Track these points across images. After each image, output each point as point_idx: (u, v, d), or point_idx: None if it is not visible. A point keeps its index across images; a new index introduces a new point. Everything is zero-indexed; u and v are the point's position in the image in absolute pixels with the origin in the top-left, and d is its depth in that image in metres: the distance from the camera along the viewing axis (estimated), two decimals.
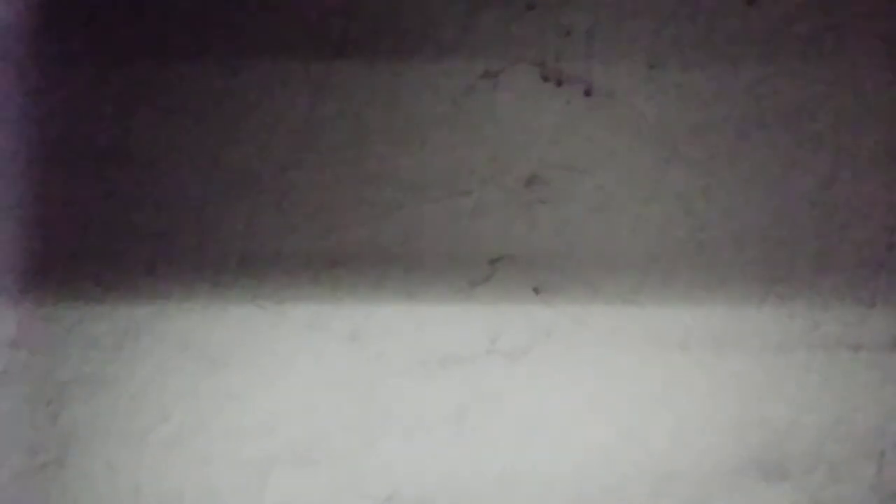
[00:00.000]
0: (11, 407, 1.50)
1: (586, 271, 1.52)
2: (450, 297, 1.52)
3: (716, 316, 1.52)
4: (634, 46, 1.54)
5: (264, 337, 1.52)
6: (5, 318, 1.51)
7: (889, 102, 1.53)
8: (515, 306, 1.52)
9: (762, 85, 1.54)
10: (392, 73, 1.54)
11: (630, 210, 1.53)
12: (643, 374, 1.51)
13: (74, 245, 1.51)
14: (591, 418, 1.51)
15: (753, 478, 1.50)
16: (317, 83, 1.53)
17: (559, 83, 1.54)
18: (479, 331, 1.52)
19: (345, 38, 1.54)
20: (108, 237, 1.52)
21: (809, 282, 1.52)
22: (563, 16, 1.55)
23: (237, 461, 1.50)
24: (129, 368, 1.51)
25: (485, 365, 1.52)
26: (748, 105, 1.54)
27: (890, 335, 1.52)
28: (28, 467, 1.50)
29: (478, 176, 1.53)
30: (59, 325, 1.51)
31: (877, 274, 1.52)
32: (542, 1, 1.54)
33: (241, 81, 1.53)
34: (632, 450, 1.50)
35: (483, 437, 1.51)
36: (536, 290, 1.52)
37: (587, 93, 1.54)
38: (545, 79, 1.54)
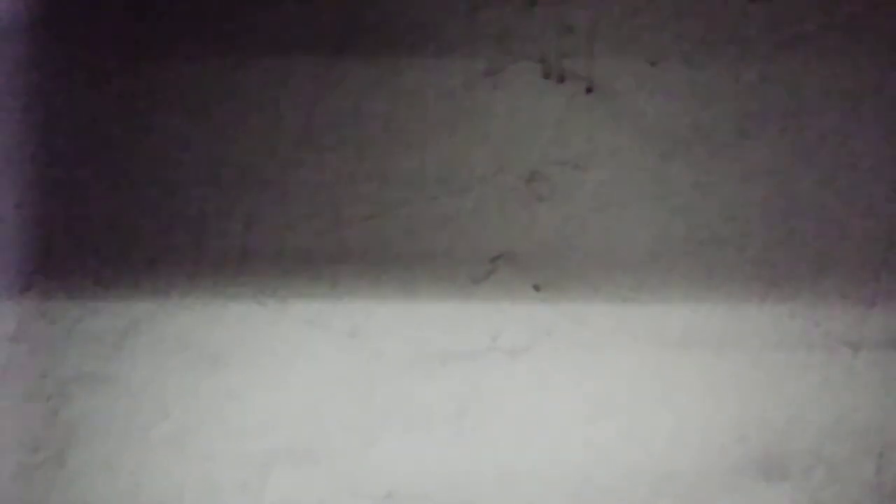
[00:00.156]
0: (11, 404, 1.51)
1: (587, 269, 1.52)
2: (450, 294, 1.52)
3: (716, 315, 1.52)
4: (636, 44, 1.54)
5: (264, 334, 1.52)
6: (5, 316, 1.51)
7: (890, 102, 1.53)
8: (516, 304, 1.52)
9: (764, 83, 1.54)
10: (393, 70, 1.54)
11: (631, 208, 1.53)
12: (643, 373, 1.51)
13: (74, 242, 1.52)
14: (591, 417, 1.51)
15: (753, 477, 1.50)
16: (317, 81, 1.53)
17: (560, 80, 1.54)
18: (479, 328, 1.52)
19: (345, 36, 1.54)
20: (108, 235, 1.52)
21: (810, 281, 1.52)
22: (565, 13, 1.54)
23: (237, 459, 1.51)
24: (129, 366, 1.51)
25: (485, 363, 1.52)
26: (749, 103, 1.53)
27: (890, 334, 1.52)
28: (28, 465, 1.50)
29: (478, 173, 1.53)
30: (59, 322, 1.51)
31: (877, 273, 1.52)
32: None
33: (241, 80, 1.53)
34: (632, 449, 1.50)
35: (483, 435, 1.51)
36: (537, 288, 1.52)
37: (588, 90, 1.54)
38: (546, 76, 1.54)
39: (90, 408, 1.50)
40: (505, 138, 1.53)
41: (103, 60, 1.53)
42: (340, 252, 1.52)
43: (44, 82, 1.53)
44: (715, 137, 1.53)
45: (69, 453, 1.50)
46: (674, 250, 1.52)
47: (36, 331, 1.51)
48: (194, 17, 1.54)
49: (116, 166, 1.53)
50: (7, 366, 1.50)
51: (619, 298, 1.52)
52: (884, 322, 1.52)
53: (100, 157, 1.53)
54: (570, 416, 1.51)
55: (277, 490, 1.50)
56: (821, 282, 1.52)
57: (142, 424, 1.51)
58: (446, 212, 1.53)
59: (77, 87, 1.53)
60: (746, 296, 1.52)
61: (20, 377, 1.51)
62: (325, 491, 1.50)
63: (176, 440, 1.50)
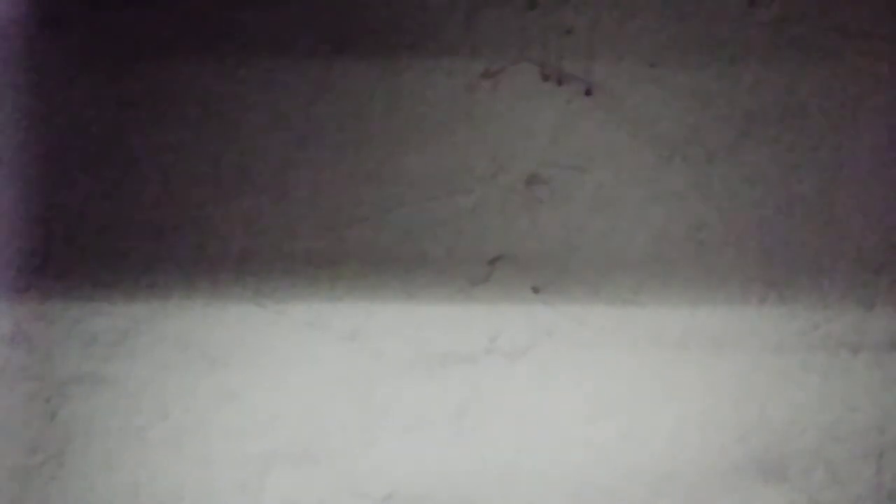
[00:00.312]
0: (10, 405, 1.50)
1: (586, 271, 1.52)
2: (450, 296, 1.52)
3: (716, 316, 1.52)
4: (635, 46, 1.54)
5: (264, 336, 1.52)
6: (4, 316, 1.50)
7: (889, 102, 1.53)
8: (515, 306, 1.52)
9: (763, 84, 1.54)
10: (392, 72, 1.54)
11: (630, 209, 1.53)
12: (643, 374, 1.51)
13: (74, 243, 1.51)
14: (591, 418, 1.51)
15: (753, 478, 1.50)
16: (316, 82, 1.53)
17: (560, 82, 1.54)
18: (478, 330, 1.52)
19: (345, 38, 1.54)
20: (107, 236, 1.52)
21: (809, 282, 1.52)
22: (564, 15, 1.55)
23: (236, 460, 1.50)
24: (129, 367, 1.51)
25: (484, 364, 1.52)
26: (749, 105, 1.54)
27: (890, 336, 1.52)
28: (27, 465, 1.50)
29: (478, 175, 1.53)
30: (58, 323, 1.51)
31: (877, 274, 1.52)
32: (542, 0, 1.54)
33: (240, 81, 1.53)
34: (632, 450, 1.50)
35: (483, 436, 1.51)
36: (536, 290, 1.52)
37: (588, 92, 1.54)
38: (546, 78, 1.54)
39: (89, 408, 1.50)
40: (504, 140, 1.53)
41: (103, 60, 1.53)
42: (340, 253, 1.52)
43: (44, 82, 1.53)
44: (714, 139, 1.53)
45: (68, 454, 1.50)
46: (673, 251, 1.52)
47: (35, 331, 1.51)
48: (194, 17, 1.54)
49: (116, 166, 1.53)
50: (6, 366, 1.50)
51: (618, 300, 1.52)
52: (883, 323, 1.52)
53: (99, 157, 1.53)
54: (570, 417, 1.51)
55: (277, 491, 1.50)
56: (820, 283, 1.52)
57: (141, 425, 1.50)
58: (446, 213, 1.53)
59: (77, 88, 1.53)
60: (746, 297, 1.52)
61: (19, 378, 1.50)
62: (325, 491, 1.50)
63: (175, 441, 1.50)
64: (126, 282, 1.51)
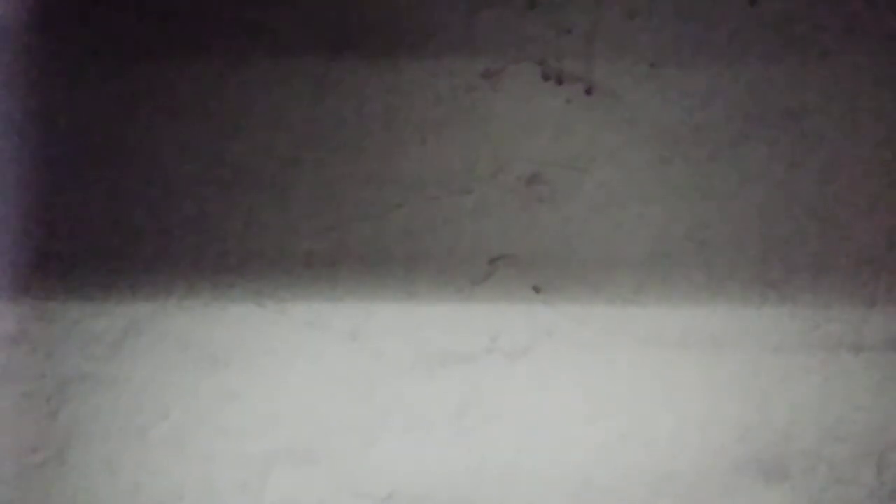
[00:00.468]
0: (11, 404, 1.50)
1: (587, 270, 1.52)
2: (450, 296, 1.52)
3: (716, 316, 1.52)
4: (635, 45, 1.54)
5: (264, 335, 1.52)
6: (6, 316, 1.51)
7: (889, 102, 1.53)
8: (516, 305, 1.52)
9: (763, 84, 1.54)
10: (393, 71, 1.54)
11: (631, 209, 1.53)
12: (643, 374, 1.51)
13: (75, 243, 1.52)
14: (590, 418, 1.51)
15: (753, 478, 1.50)
16: (317, 82, 1.54)
17: (560, 82, 1.54)
18: (479, 330, 1.52)
19: (345, 37, 1.54)
20: (108, 235, 1.52)
21: (810, 282, 1.52)
22: (564, 15, 1.55)
23: (237, 459, 1.51)
24: (130, 366, 1.51)
25: (485, 364, 1.52)
26: (749, 104, 1.54)
27: (890, 335, 1.52)
28: (28, 464, 1.50)
29: (478, 175, 1.53)
30: (59, 322, 1.51)
31: (877, 274, 1.52)
32: (542, 0, 1.54)
33: (241, 81, 1.53)
34: (632, 450, 1.50)
35: (483, 436, 1.51)
36: (537, 290, 1.52)
37: (588, 92, 1.54)
38: (546, 78, 1.54)
39: (90, 408, 1.50)
40: (505, 140, 1.53)
41: (103, 60, 1.54)
42: (341, 253, 1.52)
43: (44, 82, 1.53)
44: (714, 139, 1.53)
45: (69, 453, 1.50)
46: (674, 251, 1.52)
47: (36, 331, 1.51)
48: (194, 17, 1.54)
49: (116, 166, 1.53)
50: (7, 366, 1.50)
51: (619, 299, 1.52)
52: (884, 323, 1.52)
53: (100, 157, 1.53)
54: (571, 417, 1.51)
55: (277, 490, 1.50)
56: (821, 283, 1.52)
57: (142, 425, 1.50)
58: (446, 213, 1.53)
59: (77, 88, 1.53)
60: (746, 297, 1.52)
61: (20, 377, 1.51)
62: (326, 491, 1.50)
63: (176, 440, 1.50)
64: (127, 282, 1.52)
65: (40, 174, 1.52)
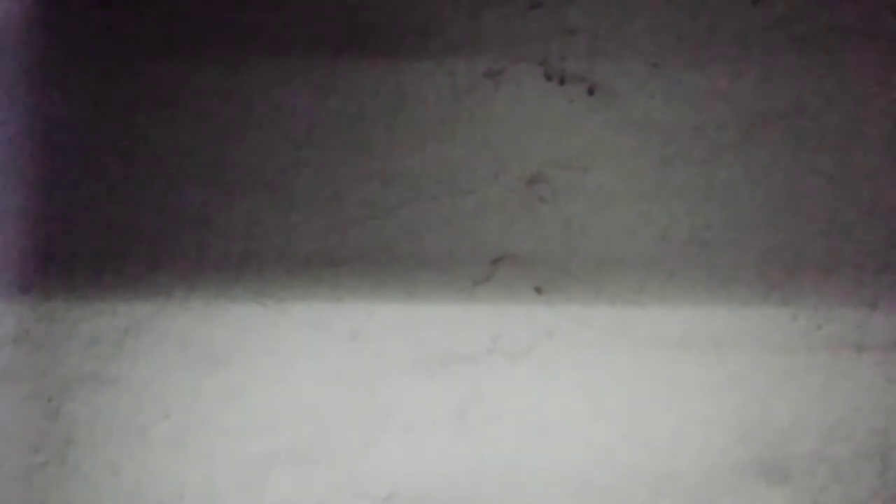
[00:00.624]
0: (13, 404, 1.51)
1: (588, 271, 1.52)
2: (451, 296, 1.52)
3: (718, 316, 1.52)
4: (638, 45, 1.54)
5: (265, 336, 1.52)
6: (7, 316, 1.51)
7: (892, 103, 1.53)
8: (517, 306, 1.52)
9: (765, 84, 1.53)
10: (394, 71, 1.54)
11: (633, 209, 1.53)
12: (644, 374, 1.51)
13: (76, 243, 1.52)
14: (591, 418, 1.51)
15: (754, 478, 1.50)
16: (318, 82, 1.54)
17: (562, 82, 1.54)
18: (480, 330, 1.52)
19: (347, 37, 1.54)
20: (109, 235, 1.52)
21: (812, 282, 1.51)
22: (567, 15, 1.54)
23: (238, 459, 1.51)
24: (131, 366, 1.51)
25: (486, 364, 1.52)
26: (751, 104, 1.53)
27: (893, 336, 1.51)
28: (29, 465, 1.50)
29: (480, 175, 1.53)
30: (60, 322, 1.51)
31: (880, 274, 1.52)
32: (544, 0, 1.54)
33: (242, 81, 1.53)
34: (632, 450, 1.50)
35: (483, 436, 1.51)
36: (538, 290, 1.52)
37: (590, 92, 1.54)
38: (548, 78, 1.54)
39: (91, 408, 1.51)
40: (506, 140, 1.53)
41: (103, 61, 1.54)
42: (342, 253, 1.52)
43: (44, 82, 1.54)
44: (716, 139, 1.53)
45: (70, 453, 1.50)
46: (675, 252, 1.52)
47: (37, 331, 1.51)
48: (194, 18, 1.54)
49: (117, 167, 1.53)
50: (8, 366, 1.51)
51: (620, 300, 1.52)
52: (886, 324, 1.51)
53: (100, 157, 1.53)
54: (571, 417, 1.51)
55: (278, 490, 1.50)
56: (823, 283, 1.52)
57: (143, 425, 1.51)
58: (447, 213, 1.53)
59: (77, 88, 1.54)
60: (748, 297, 1.52)
61: (21, 377, 1.51)
62: (326, 491, 1.50)
63: (177, 440, 1.51)
64: (128, 281, 1.52)
65: (40, 174, 1.53)
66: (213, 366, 1.51)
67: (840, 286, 1.52)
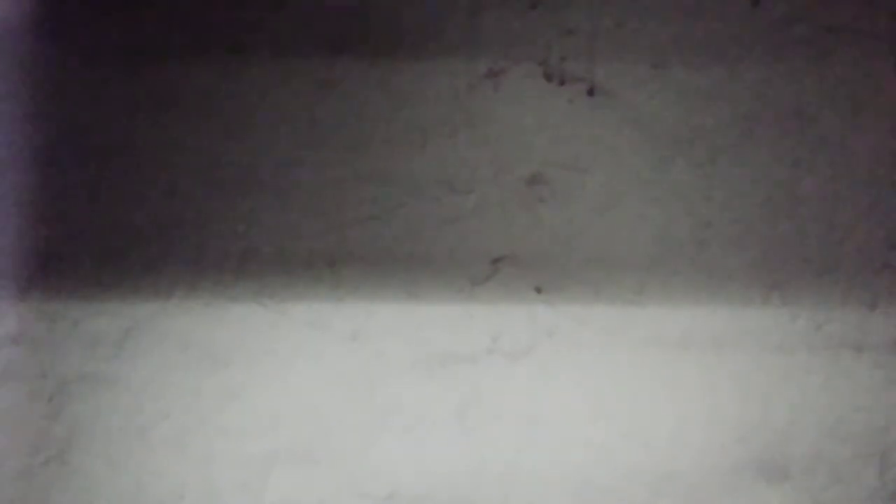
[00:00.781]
0: (13, 404, 1.51)
1: (588, 271, 1.52)
2: (451, 296, 1.52)
3: (717, 316, 1.52)
4: (637, 46, 1.54)
5: (265, 336, 1.52)
6: (7, 316, 1.51)
7: (890, 104, 1.53)
8: (517, 306, 1.52)
9: (765, 85, 1.54)
10: (394, 72, 1.54)
11: (632, 210, 1.53)
12: (644, 374, 1.51)
13: (75, 243, 1.52)
14: (591, 418, 1.51)
15: (754, 478, 1.50)
16: (318, 82, 1.54)
17: (562, 82, 1.54)
18: (480, 330, 1.52)
19: (346, 37, 1.54)
20: (108, 235, 1.52)
21: (812, 282, 1.52)
22: (566, 15, 1.55)
23: (238, 459, 1.51)
24: (131, 366, 1.51)
25: (486, 364, 1.52)
26: (751, 105, 1.53)
27: (892, 336, 1.51)
28: (29, 464, 1.50)
29: (479, 175, 1.53)
30: (60, 322, 1.51)
31: (879, 275, 1.52)
32: (544, 0, 1.54)
33: (241, 81, 1.53)
34: (632, 450, 1.50)
35: (483, 436, 1.51)
36: (538, 290, 1.52)
37: (590, 92, 1.54)
38: (548, 78, 1.54)
39: (91, 408, 1.51)
40: (506, 140, 1.53)
41: (103, 61, 1.54)
42: (341, 253, 1.52)
43: (44, 84, 1.54)
44: (716, 139, 1.53)
45: (70, 453, 1.50)
46: (675, 251, 1.52)
47: (37, 331, 1.51)
48: (194, 18, 1.54)
49: (117, 167, 1.53)
50: (8, 366, 1.51)
51: (620, 300, 1.52)
52: (886, 323, 1.52)
53: (100, 157, 1.53)
54: (571, 417, 1.51)
55: (278, 490, 1.50)
56: (822, 284, 1.52)
57: (143, 424, 1.51)
58: (447, 213, 1.53)
59: (77, 88, 1.54)
60: (748, 298, 1.52)
61: (22, 377, 1.51)
62: (326, 491, 1.50)
63: (177, 440, 1.51)
64: (128, 282, 1.52)
65: (41, 174, 1.52)
66: (213, 366, 1.51)
67: (840, 286, 1.52)
